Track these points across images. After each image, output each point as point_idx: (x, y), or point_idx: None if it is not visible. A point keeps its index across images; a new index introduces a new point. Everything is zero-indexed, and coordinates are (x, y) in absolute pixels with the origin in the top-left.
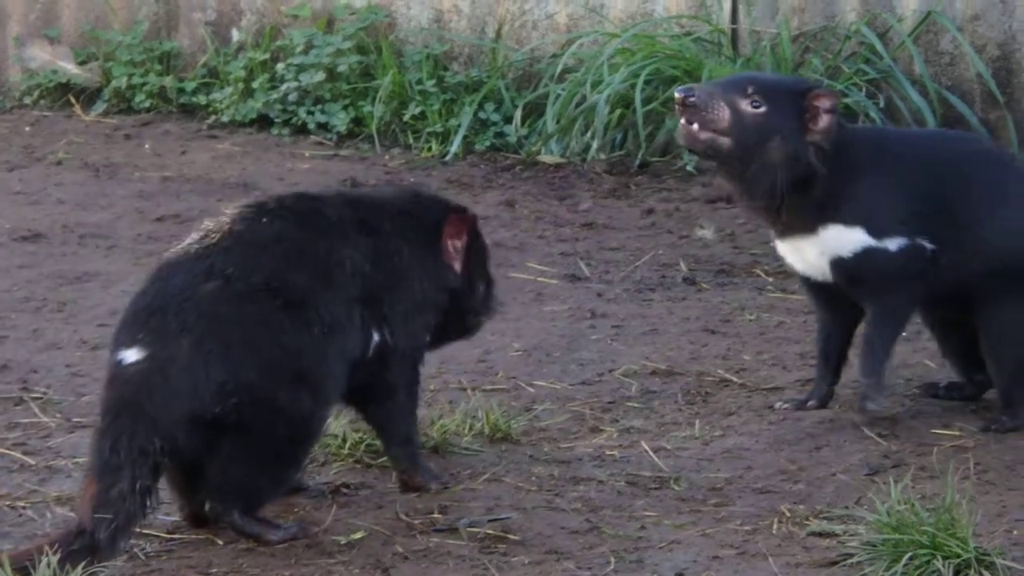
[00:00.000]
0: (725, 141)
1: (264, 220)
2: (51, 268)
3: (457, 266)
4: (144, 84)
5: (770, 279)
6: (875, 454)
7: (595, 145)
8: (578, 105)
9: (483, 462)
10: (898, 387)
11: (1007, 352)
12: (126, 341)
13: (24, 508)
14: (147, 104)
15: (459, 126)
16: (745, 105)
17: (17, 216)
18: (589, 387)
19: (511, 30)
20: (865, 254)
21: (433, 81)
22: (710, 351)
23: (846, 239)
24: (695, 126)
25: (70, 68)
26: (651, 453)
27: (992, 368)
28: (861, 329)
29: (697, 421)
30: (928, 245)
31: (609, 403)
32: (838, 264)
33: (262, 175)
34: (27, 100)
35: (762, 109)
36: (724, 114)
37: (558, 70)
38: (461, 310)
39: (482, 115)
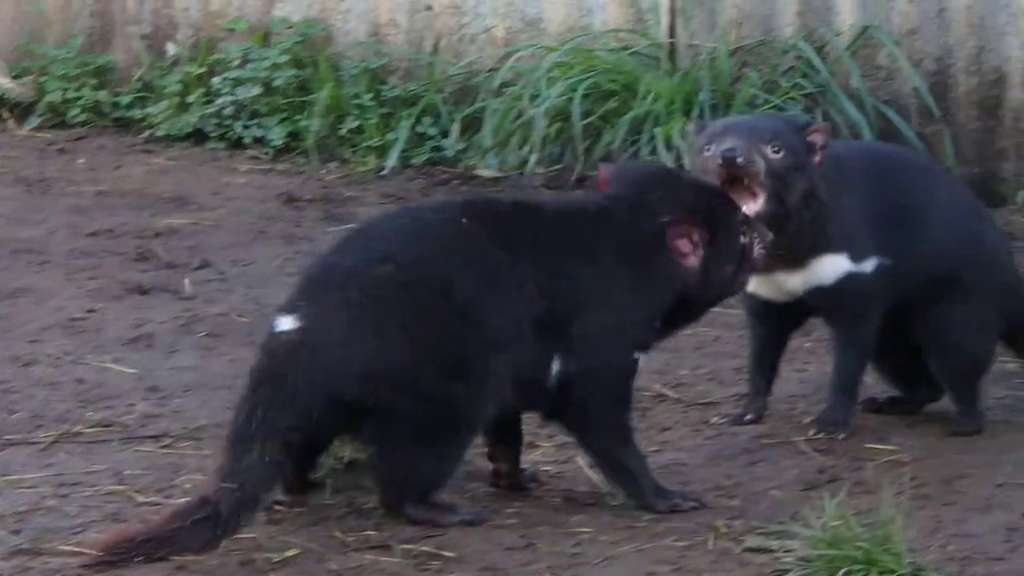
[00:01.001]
0: (761, 200)
1: (463, 221)
2: None
3: (692, 261)
4: (79, 98)
5: None
6: (810, 469)
7: (533, 159)
8: (516, 119)
9: None
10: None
11: (953, 357)
12: (287, 307)
13: None
14: (82, 118)
15: (396, 140)
16: (771, 152)
17: None
18: None
19: (448, 44)
20: (848, 279)
21: (370, 95)
22: (647, 366)
23: (832, 267)
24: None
25: (4, 82)
26: (587, 469)
27: (940, 375)
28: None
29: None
30: (888, 261)
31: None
32: (817, 292)
33: (197, 189)
34: None
35: (783, 153)
36: (760, 164)
37: (496, 84)
38: (711, 296)
39: (420, 129)
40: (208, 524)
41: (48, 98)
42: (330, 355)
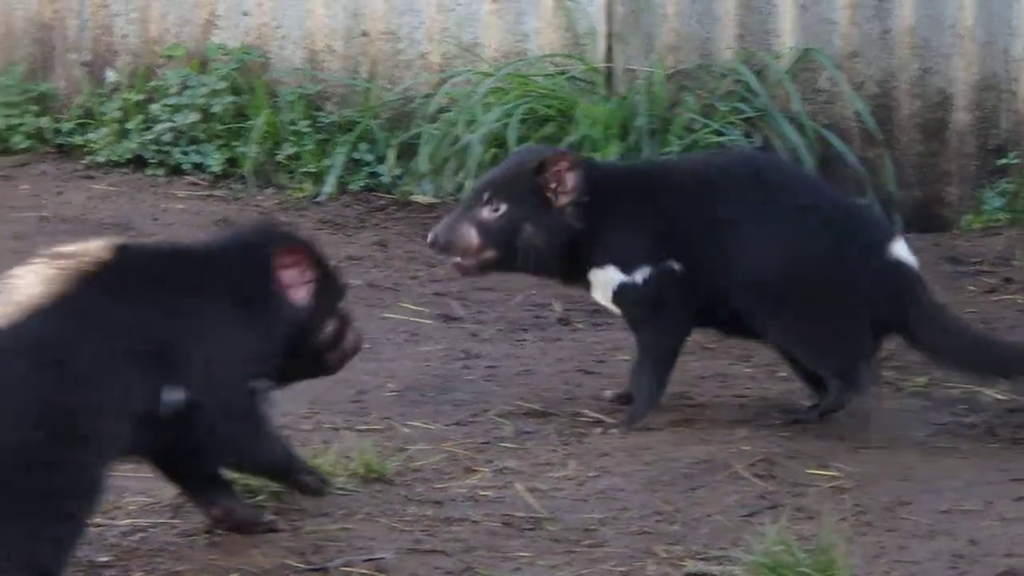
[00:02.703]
0: (489, 255)
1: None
2: None
3: (301, 296)
4: (21, 125)
5: None
6: (751, 495)
7: (468, 185)
8: (452, 144)
9: (357, 502)
10: (773, 425)
11: (808, 350)
12: None
13: None
14: (24, 145)
15: (332, 166)
16: (486, 213)
17: None
18: (463, 428)
19: (384, 70)
20: (620, 289)
21: (307, 121)
22: (584, 391)
23: (604, 279)
24: (458, 259)
25: None
26: (525, 493)
27: (810, 366)
28: None
29: (571, 461)
30: (676, 266)
31: (483, 444)
32: (613, 303)
33: (137, 215)
34: None
35: (502, 208)
36: (471, 235)
37: (431, 110)
38: (313, 346)
39: (356, 155)
40: None
41: None
42: None
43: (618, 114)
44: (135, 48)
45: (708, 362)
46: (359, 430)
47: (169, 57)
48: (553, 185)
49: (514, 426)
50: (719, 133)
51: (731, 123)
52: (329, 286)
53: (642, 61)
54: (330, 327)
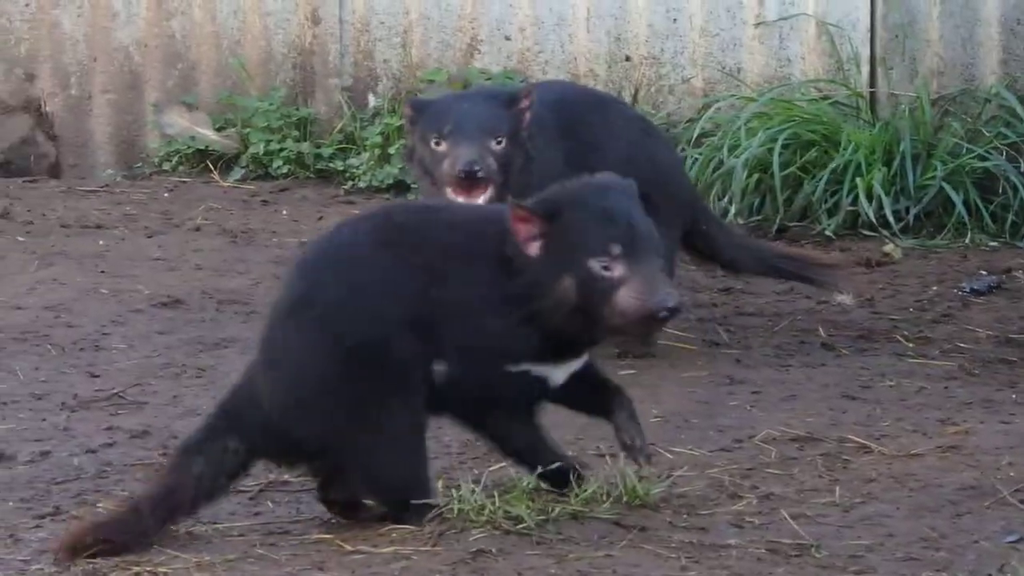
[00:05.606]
0: (490, 191)
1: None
2: (190, 334)
3: (532, 250)
4: (281, 150)
5: (910, 345)
6: (1017, 521)
7: (732, 210)
8: (715, 169)
9: (621, 529)
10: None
11: None
12: None
13: (165, 574)
14: (284, 170)
15: None
16: (494, 145)
17: (156, 282)
18: (728, 453)
19: (648, 94)
20: None
21: None
22: (849, 417)
23: None
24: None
25: (208, 134)
26: (791, 520)
27: None
28: None
29: (837, 488)
30: None
31: (748, 469)
32: None
33: None
34: (166, 166)
35: (504, 143)
36: (491, 168)
37: (695, 134)
38: (547, 303)
39: None
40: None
41: (251, 150)
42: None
43: (882, 139)
44: (396, 73)
45: (974, 388)
46: (624, 456)
47: (431, 82)
48: (521, 119)
49: (779, 452)
50: (983, 158)
51: (995, 148)
52: (565, 238)
53: (906, 86)
54: (567, 282)
